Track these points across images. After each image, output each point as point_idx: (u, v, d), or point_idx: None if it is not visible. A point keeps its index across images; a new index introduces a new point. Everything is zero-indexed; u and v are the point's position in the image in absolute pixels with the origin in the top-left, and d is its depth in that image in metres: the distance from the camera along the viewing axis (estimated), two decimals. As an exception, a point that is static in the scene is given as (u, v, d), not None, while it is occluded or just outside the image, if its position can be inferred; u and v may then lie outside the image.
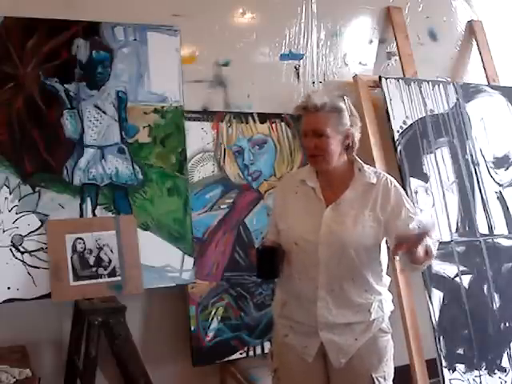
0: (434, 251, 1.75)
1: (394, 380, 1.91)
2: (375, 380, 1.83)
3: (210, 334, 2.65)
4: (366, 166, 1.88)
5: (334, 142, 1.79)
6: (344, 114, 1.80)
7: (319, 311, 1.81)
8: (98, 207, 2.46)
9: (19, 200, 2.34)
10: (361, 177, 1.85)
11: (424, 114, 3.05)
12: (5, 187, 2.32)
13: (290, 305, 1.90)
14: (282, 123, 2.91)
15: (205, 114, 2.77)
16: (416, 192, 2.89)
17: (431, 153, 3.01)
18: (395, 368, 1.92)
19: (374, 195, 1.83)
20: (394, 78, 3.05)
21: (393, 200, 1.82)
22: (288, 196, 1.93)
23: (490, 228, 3.05)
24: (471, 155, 3.13)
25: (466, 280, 2.89)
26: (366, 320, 1.83)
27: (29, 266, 2.32)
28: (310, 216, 1.85)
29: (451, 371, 2.72)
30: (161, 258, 2.53)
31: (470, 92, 3.26)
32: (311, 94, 1.83)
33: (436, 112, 3.09)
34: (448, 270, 2.85)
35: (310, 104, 1.78)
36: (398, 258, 1.75)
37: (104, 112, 2.51)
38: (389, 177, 1.89)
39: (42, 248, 2.35)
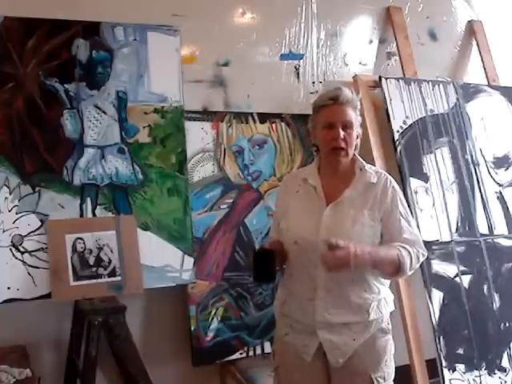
0: (407, 266, 1.77)
1: (394, 380, 1.91)
2: (374, 380, 1.83)
3: (210, 334, 2.65)
4: (367, 166, 1.90)
5: (354, 137, 1.84)
6: (358, 112, 1.86)
7: (317, 310, 1.82)
8: (98, 207, 2.46)
9: (19, 200, 2.34)
10: (362, 176, 1.86)
11: (424, 114, 3.05)
12: (5, 187, 2.32)
13: (290, 303, 1.91)
14: (282, 123, 2.91)
15: (205, 114, 2.77)
16: (416, 192, 2.89)
17: (431, 153, 3.01)
18: (395, 368, 1.92)
19: (373, 195, 1.84)
20: (394, 78, 3.05)
21: (388, 200, 1.84)
22: (290, 195, 1.95)
23: (490, 228, 3.05)
24: (471, 155, 3.13)
25: (465, 280, 2.88)
26: (365, 320, 1.83)
27: (29, 266, 2.32)
28: (310, 215, 1.85)
29: (451, 371, 2.72)
30: (161, 258, 2.53)
31: (470, 92, 3.26)
32: (341, 86, 1.86)
33: (436, 112, 3.09)
34: (448, 269, 2.85)
35: (343, 96, 1.81)
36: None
37: (104, 112, 2.51)
38: (389, 177, 1.90)
39: (42, 248, 2.35)
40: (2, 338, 2.35)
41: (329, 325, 1.81)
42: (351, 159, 1.88)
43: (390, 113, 2.94)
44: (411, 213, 1.93)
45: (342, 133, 1.80)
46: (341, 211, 1.82)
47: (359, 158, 1.91)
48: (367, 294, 1.83)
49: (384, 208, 1.83)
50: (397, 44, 3.22)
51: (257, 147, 2.85)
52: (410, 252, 1.78)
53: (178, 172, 2.61)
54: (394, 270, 1.77)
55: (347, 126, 1.81)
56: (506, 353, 2.89)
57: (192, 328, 2.61)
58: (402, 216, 1.84)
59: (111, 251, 2.42)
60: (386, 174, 1.91)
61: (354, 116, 1.83)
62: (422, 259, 1.84)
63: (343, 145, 1.81)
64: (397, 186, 1.89)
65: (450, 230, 2.92)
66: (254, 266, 1.78)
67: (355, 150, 1.89)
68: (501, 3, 3.65)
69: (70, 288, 2.33)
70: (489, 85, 3.40)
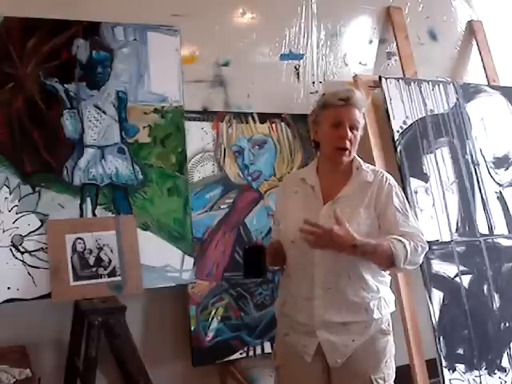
0: (401, 258, 1.74)
1: (394, 380, 1.91)
2: (374, 381, 1.83)
3: (210, 334, 2.65)
4: (364, 165, 1.90)
5: (358, 139, 1.86)
6: (363, 115, 1.87)
7: (316, 310, 1.82)
8: (98, 207, 2.46)
9: (19, 200, 2.34)
10: (358, 175, 1.87)
11: (424, 114, 3.05)
12: (5, 187, 2.32)
13: (289, 303, 1.91)
14: (282, 123, 2.91)
15: (205, 114, 2.76)
16: (416, 192, 2.89)
17: (431, 153, 3.01)
18: (395, 368, 1.92)
19: (369, 193, 1.84)
20: (394, 78, 3.05)
21: (384, 196, 1.84)
22: (288, 195, 1.95)
23: (490, 228, 3.05)
24: (471, 155, 3.13)
25: (465, 280, 2.88)
26: (364, 320, 1.83)
27: (29, 266, 2.32)
28: (307, 214, 1.84)
29: (451, 371, 2.72)
30: (161, 258, 2.53)
31: (469, 92, 3.26)
32: (353, 88, 1.87)
33: (436, 112, 3.09)
34: (448, 270, 2.85)
35: (355, 98, 1.82)
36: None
37: (104, 112, 2.51)
38: (386, 174, 1.90)
39: (42, 248, 2.35)
40: (2, 338, 2.35)
41: (328, 325, 1.81)
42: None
43: (390, 113, 2.95)
44: (410, 207, 1.93)
45: (349, 133, 1.80)
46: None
47: (357, 157, 1.91)
48: (365, 293, 1.83)
49: (379, 204, 1.83)
50: (397, 44, 3.22)
51: (257, 147, 2.85)
52: (404, 244, 1.74)
53: (177, 172, 2.61)
54: (388, 260, 1.74)
55: (354, 127, 1.82)
56: (506, 353, 2.89)
57: (192, 328, 2.61)
58: (398, 210, 1.83)
59: (111, 251, 2.42)
60: (384, 172, 1.92)
61: (360, 118, 1.84)
62: (421, 251, 1.80)
63: (348, 145, 1.81)
64: (394, 182, 1.89)
65: (450, 230, 2.92)
66: (243, 262, 1.83)
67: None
68: (501, 3, 3.65)
69: (70, 288, 2.33)
70: (489, 85, 3.40)
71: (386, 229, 1.83)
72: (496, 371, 2.85)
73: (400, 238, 1.77)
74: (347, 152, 1.82)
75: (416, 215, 2.80)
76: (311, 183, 1.89)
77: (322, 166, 1.92)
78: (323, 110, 1.86)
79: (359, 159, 1.91)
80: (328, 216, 1.81)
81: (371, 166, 1.93)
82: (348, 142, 1.81)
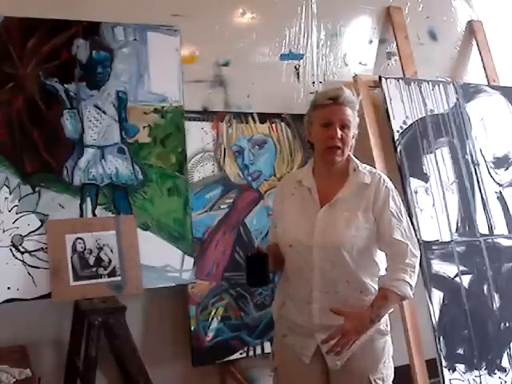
0: (409, 292, 1.78)
1: (394, 380, 1.91)
2: (373, 382, 1.83)
3: (210, 334, 2.65)
4: (361, 166, 1.88)
5: (351, 137, 1.83)
6: (356, 113, 1.85)
7: (314, 313, 1.82)
8: (98, 207, 2.46)
9: (19, 200, 2.34)
10: (355, 177, 1.85)
11: (424, 114, 3.05)
12: (5, 187, 2.32)
13: (288, 306, 1.91)
14: (282, 123, 2.91)
15: (205, 114, 2.76)
16: (416, 192, 2.89)
17: (431, 153, 3.01)
18: (395, 368, 1.92)
19: (367, 196, 1.83)
20: (394, 78, 3.05)
21: (381, 199, 1.82)
22: (285, 197, 1.94)
23: (490, 228, 3.05)
24: (471, 155, 3.13)
25: (466, 280, 2.88)
26: None
27: (29, 266, 2.32)
28: (304, 218, 1.84)
29: (451, 371, 2.72)
30: (161, 258, 2.53)
31: (469, 92, 3.26)
32: (342, 86, 1.85)
33: (436, 112, 3.09)
34: (448, 270, 2.85)
35: (343, 97, 1.80)
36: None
37: (104, 112, 2.51)
38: (383, 177, 1.88)
39: (42, 248, 2.35)
40: (2, 338, 2.35)
41: (326, 327, 1.80)
42: (346, 159, 1.87)
43: (390, 113, 2.94)
44: (409, 212, 1.92)
45: (339, 132, 1.78)
46: (334, 213, 1.81)
47: (354, 158, 1.89)
48: (364, 296, 1.82)
49: (376, 207, 1.82)
50: (397, 44, 3.22)
51: (257, 147, 2.85)
52: (404, 279, 1.76)
53: (177, 172, 2.61)
54: (399, 301, 1.83)
55: (345, 126, 1.80)
56: (506, 353, 2.89)
57: (192, 328, 2.61)
58: (394, 215, 1.81)
59: (111, 251, 2.42)
60: (381, 173, 1.90)
61: (352, 116, 1.82)
62: (416, 262, 1.81)
63: (340, 144, 1.79)
64: (390, 185, 1.87)
65: (450, 230, 2.92)
66: (246, 270, 1.79)
67: (350, 150, 1.88)
68: (501, 3, 3.66)
69: (70, 288, 2.33)
70: (489, 85, 3.40)
71: (380, 233, 1.82)
72: (496, 371, 2.85)
73: (397, 274, 1.77)
74: (339, 151, 1.80)
75: (416, 215, 2.81)
76: (308, 185, 1.87)
77: (318, 167, 1.90)
78: (314, 111, 1.85)
79: (356, 160, 1.89)
80: (325, 220, 1.81)
81: (368, 167, 1.90)
82: (339, 141, 1.79)
